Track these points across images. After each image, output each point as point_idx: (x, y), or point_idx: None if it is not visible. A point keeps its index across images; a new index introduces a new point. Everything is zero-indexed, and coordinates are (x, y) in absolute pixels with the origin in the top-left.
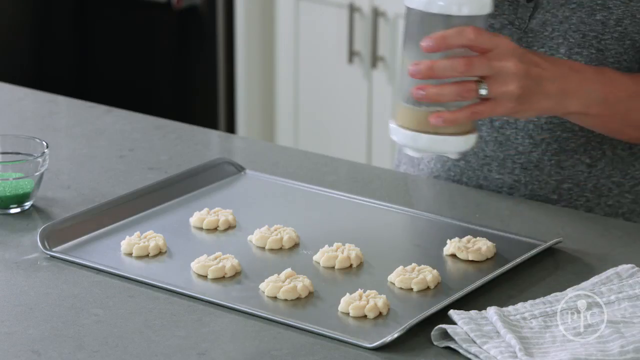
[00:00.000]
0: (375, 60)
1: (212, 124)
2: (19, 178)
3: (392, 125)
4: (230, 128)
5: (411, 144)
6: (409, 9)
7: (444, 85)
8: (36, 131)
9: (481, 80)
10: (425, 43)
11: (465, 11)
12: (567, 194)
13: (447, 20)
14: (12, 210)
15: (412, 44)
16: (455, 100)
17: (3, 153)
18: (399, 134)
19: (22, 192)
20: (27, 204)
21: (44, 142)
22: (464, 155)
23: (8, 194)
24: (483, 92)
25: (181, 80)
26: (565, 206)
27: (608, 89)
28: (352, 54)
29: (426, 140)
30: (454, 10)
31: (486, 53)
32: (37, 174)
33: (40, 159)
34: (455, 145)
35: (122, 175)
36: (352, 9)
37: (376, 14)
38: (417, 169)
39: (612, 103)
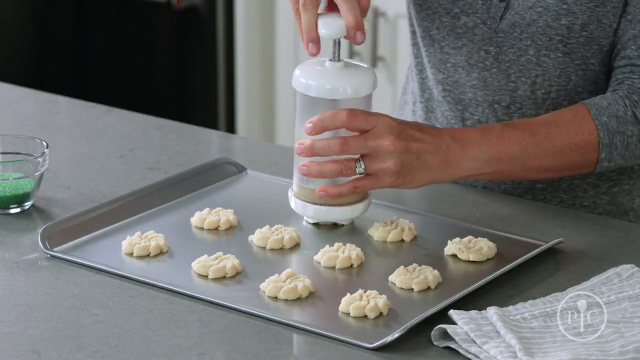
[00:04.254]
0: (375, 60)
1: (212, 124)
2: (19, 178)
3: (290, 193)
4: (230, 128)
5: (302, 213)
6: (295, 91)
7: (325, 162)
8: (36, 131)
9: (360, 158)
10: (306, 126)
11: (338, 96)
12: (540, 194)
13: (328, 102)
14: (12, 210)
15: (300, 124)
16: (336, 177)
17: (3, 153)
18: (293, 203)
19: (22, 192)
20: (27, 204)
21: (44, 142)
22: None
23: (8, 194)
24: (360, 170)
25: (181, 80)
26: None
27: (497, 147)
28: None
29: (313, 210)
30: (327, 95)
31: (365, 132)
32: (37, 174)
33: (40, 159)
34: (340, 215)
35: (122, 175)
36: None
37: (376, 14)
38: None
39: (506, 159)
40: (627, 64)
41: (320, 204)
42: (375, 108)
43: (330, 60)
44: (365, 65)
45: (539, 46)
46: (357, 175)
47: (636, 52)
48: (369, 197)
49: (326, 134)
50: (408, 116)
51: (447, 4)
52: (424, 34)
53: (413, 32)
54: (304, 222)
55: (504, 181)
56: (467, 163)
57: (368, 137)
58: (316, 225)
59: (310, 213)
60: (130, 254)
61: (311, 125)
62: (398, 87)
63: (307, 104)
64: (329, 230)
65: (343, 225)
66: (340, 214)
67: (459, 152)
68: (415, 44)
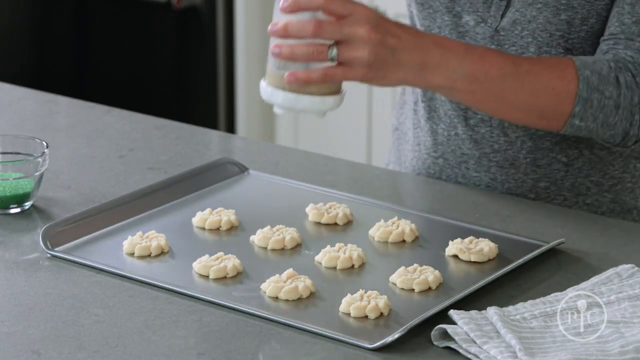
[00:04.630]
0: None
1: (212, 124)
2: (19, 178)
3: (262, 83)
4: (230, 128)
5: (272, 100)
6: None
7: (298, 45)
8: (36, 131)
9: (334, 44)
10: (280, 4)
11: None
12: (544, 192)
13: None
14: (12, 210)
15: (278, 5)
16: (307, 60)
17: (3, 153)
18: (263, 90)
19: (22, 192)
20: (27, 204)
21: (44, 142)
22: (323, 115)
23: (8, 194)
24: (332, 55)
25: (181, 80)
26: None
27: (477, 66)
28: None
29: (282, 97)
30: None
31: (342, 19)
32: (37, 174)
33: (40, 159)
34: (309, 104)
35: (122, 175)
36: None
37: None
38: (403, 167)
39: (482, 81)
40: (611, 37)
41: (291, 91)
42: (376, 108)
43: None
44: None
45: (540, 43)
46: (329, 64)
47: (619, 28)
48: (342, 93)
49: (303, 17)
50: (409, 116)
51: (449, 2)
52: (426, 32)
53: None
54: (275, 110)
55: (507, 180)
56: (444, 72)
57: (344, 23)
58: (317, 225)
59: (278, 99)
60: (132, 254)
61: (286, 2)
62: (398, 87)
63: None
64: (330, 230)
65: (315, 117)
66: (309, 102)
67: (438, 58)
68: None
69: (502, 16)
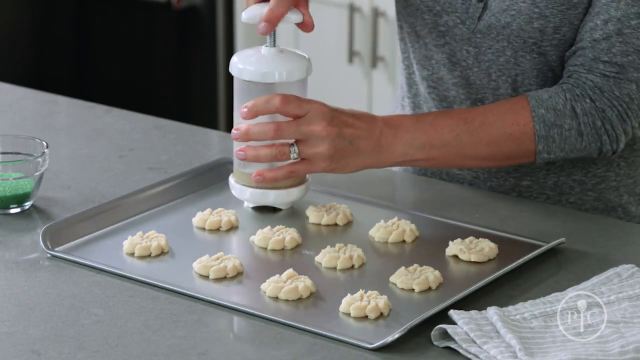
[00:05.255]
0: (375, 60)
1: (212, 124)
2: (19, 178)
3: (230, 180)
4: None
5: (240, 197)
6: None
7: (261, 147)
8: (36, 131)
9: (294, 143)
10: (241, 111)
11: (272, 79)
12: (526, 191)
13: (263, 87)
14: (12, 210)
15: (238, 109)
16: (270, 161)
17: (3, 153)
18: (232, 187)
19: (22, 192)
20: (27, 204)
21: (44, 142)
22: (290, 205)
23: (8, 194)
24: (293, 155)
25: (181, 80)
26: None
27: (430, 134)
28: (352, 54)
29: (249, 193)
30: (260, 79)
31: (299, 118)
32: (37, 174)
33: (40, 159)
34: (275, 198)
35: (122, 175)
36: (352, 9)
37: (376, 14)
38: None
39: (439, 146)
40: (580, 54)
41: (257, 187)
42: (376, 108)
43: (266, 46)
44: (301, 53)
45: (515, 47)
46: (293, 160)
47: (589, 43)
48: (307, 182)
49: (263, 120)
50: (397, 111)
51: (429, 1)
52: (410, 29)
53: (400, 27)
54: (245, 205)
55: (489, 178)
56: (400, 148)
57: (301, 122)
58: (317, 225)
59: (247, 196)
60: (132, 254)
61: (246, 110)
62: (396, 84)
63: (243, 89)
64: (330, 231)
65: (282, 209)
66: (275, 197)
67: (391, 138)
68: (402, 39)
69: (479, 19)
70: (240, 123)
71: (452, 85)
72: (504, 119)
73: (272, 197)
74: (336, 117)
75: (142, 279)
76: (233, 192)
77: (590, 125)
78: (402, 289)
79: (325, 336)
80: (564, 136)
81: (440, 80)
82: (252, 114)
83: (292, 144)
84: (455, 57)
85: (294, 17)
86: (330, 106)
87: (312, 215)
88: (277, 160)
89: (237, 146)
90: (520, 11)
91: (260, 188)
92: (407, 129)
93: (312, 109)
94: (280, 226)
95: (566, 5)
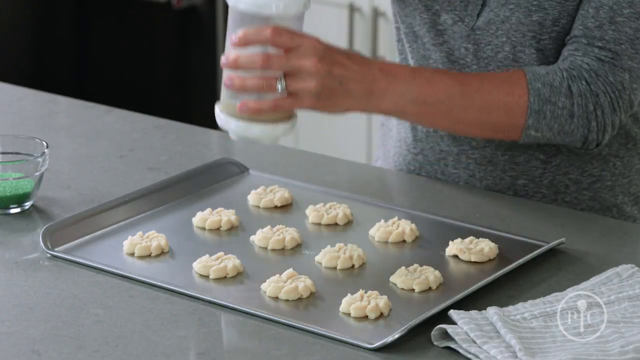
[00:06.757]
0: None
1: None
2: (19, 178)
3: (216, 109)
4: None
5: (225, 127)
6: (228, 6)
7: (249, 77)
8: (36, 131)
9: (282, 76)
10: (231, 37)
11: (268, 11)
12: (522, 190)
13: (258, 20)
14: (12, 210)
15: (229, 39)
16: (257, 91)
17: (3, 153)
18: (217, 116)
19: (22, 192)
20: (27, 204)
21: (44, 142)
22: (276, 140)
23: (8, 194)
24: (279, 87)
25: (181, 80)
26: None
27: (425, 89)
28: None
29: (234, 125)
30: (256, 9)
31: (290, 51)
32: (37, 174)
33: (40, 159)
34: (260, 132)
35: (122, 175)
36: (352, 9)
37: (376, 14)
38: (387, 162)
39: (431, 102)
40: (574, 41)
41: (242, 119)
42: None
43: None
44: None
45: (514, 42)
46: (279, 93)
47: (582, 31)
48: (293, 119)
49: (254, 50)
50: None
51: (428, 0)
52: (408, 30)
53: (398, 29)
54: (232, 137)
55: (485, 177)
56: (391, 98)
57: (291, 55)
58: (317, 225)
59: (232, 127)
60: (132, 254)
61: (236, 37)
62: None
63: (237, 20)
64: (330, 230)
65: (266, 143)
66: (260, 130)
67: (384, 85)
68: (399, 40)
69: (478, 15)
70: (230, 52)
71: None
72: (500, 88)
73: (256, 130)
74: (329, 55)
75: (142, 279)
76: (218, 121)
77: (583, 108)
78: (402, 289)
79: (325, 336)
80: (556, 114)
81: None
82: (242, 42)
83: (280, 78)
84: (454, 55)
85: None
86: (326, 43)
87: (312, 215)
88: (263, 91)
89: (226, 76)
90: (519, 4)
91: (245, 120)
92: (402, 79)
93: (305, 43)
94: (280, 226)
95: None
